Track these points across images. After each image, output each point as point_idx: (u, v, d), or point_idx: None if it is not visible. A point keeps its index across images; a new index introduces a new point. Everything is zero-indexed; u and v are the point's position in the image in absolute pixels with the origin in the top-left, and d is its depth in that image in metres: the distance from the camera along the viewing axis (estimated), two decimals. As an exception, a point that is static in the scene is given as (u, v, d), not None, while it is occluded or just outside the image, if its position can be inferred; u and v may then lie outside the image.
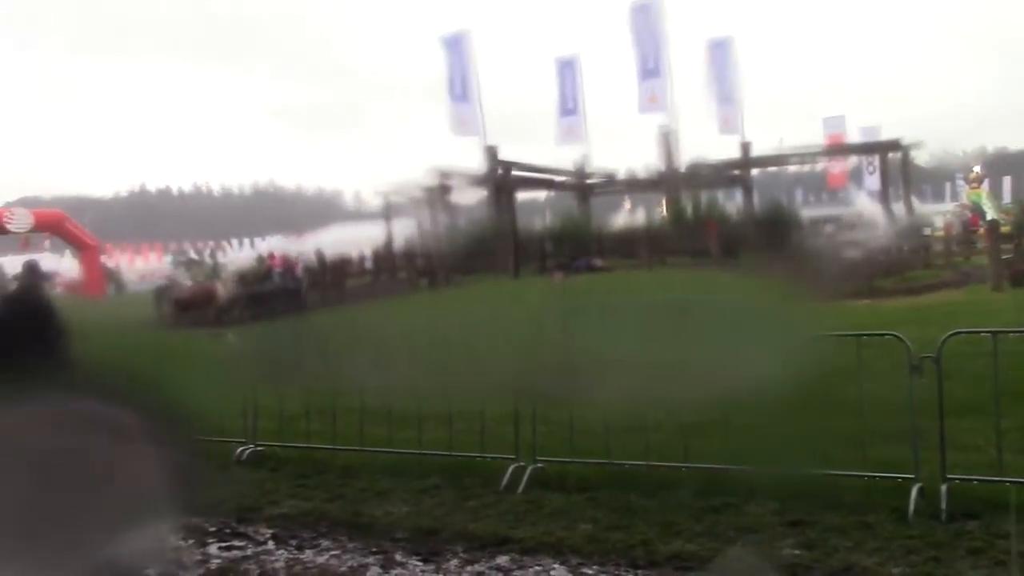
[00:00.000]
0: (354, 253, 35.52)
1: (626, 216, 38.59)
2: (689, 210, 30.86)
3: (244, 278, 26.48)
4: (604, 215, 36.31)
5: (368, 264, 34.24)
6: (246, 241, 61.45)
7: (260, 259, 29.86)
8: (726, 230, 28.73)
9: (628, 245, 26.92)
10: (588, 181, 33.59)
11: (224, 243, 60.47)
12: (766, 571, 4.77)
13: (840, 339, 7.11)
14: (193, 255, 43.85)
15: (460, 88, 35.55)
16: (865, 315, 14.70)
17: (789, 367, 6.46)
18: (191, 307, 23.25)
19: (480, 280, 25.85)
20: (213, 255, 46.14)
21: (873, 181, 45.94)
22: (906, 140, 37.46)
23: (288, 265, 27.53)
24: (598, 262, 27.05)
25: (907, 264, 26.94)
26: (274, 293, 24.37)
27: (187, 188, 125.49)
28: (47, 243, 43.65)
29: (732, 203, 37.88)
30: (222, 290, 24.33)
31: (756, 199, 37.21)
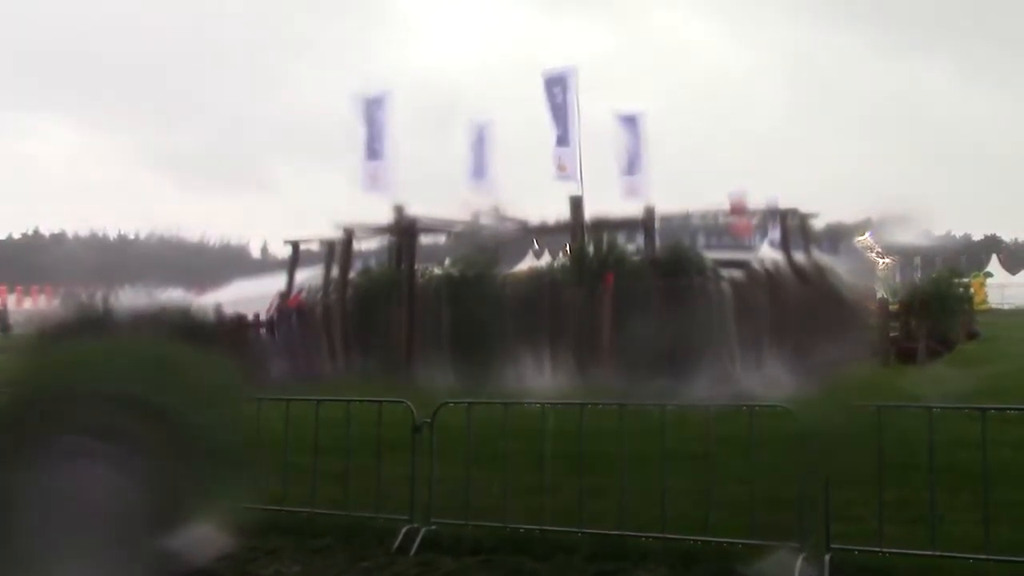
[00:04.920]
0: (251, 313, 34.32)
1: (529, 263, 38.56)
2: (590, 252, 30.59)
3: None
4: (507, 262, 36.14)
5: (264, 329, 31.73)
6: (143, 291, 59.80)
7: None
8: (623, 278, 28.62)
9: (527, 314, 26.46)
10: (495, 228, 33.37)
11: (118, 290, 58.73)
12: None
13: (732, 408, 7.29)
14: (83, 299, 42.42)
15: (375, 146, 35.67)
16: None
17: (685, 433, 6.60)
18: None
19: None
20: (105, 301, 44.72)
21: (775, 233, 46.90)
22: (804, 210, 38.80)
23: None
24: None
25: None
26: None
27: (83, 233, 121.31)
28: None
29: (633, 246, 38.00)
30: None
31: (658, 243, 37.35)
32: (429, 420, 7.14)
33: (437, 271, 32.68)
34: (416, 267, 28.67)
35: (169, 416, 1.60)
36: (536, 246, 42.67)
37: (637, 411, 7.21)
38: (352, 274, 31.08)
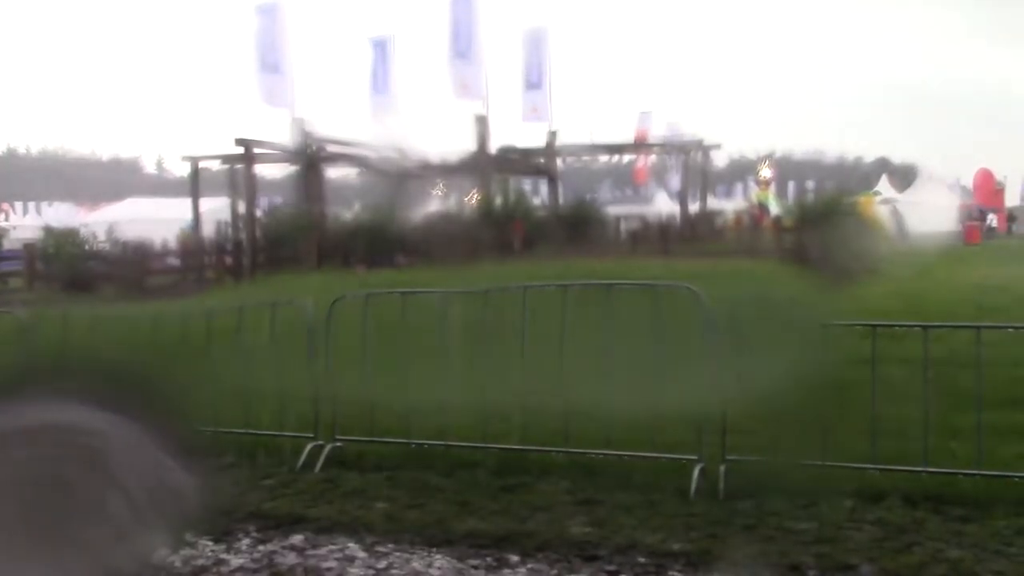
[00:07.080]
0: (156, 239, 33.46)
1: (437, 205, 38.56)
2: (497, 203, 31.49)
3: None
4: (414, 204, 36.12)
5: (174, 259, 30.97)
6: (31, 206, 57.80)
7: None
8: (530, 227, 29.90)
9: (433, 245, 27.16)
10: (400, 165, 33.39)
11: (7, 206, 56.62)
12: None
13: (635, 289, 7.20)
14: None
15: (271, 58, 34.65)
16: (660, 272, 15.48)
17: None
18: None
19: (283, 273, 25.17)
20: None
21: (675, 180, 48.83)
22: (707, 141, 39.92)
23: None
24: (401, 260, 27.07)
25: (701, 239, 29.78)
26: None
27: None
28: None
29: (538, 197, 39.33)
30: None
31: (562, 191, 38.62)
32: (326, 317, 7.04)
33: (347, 215, 32.84)
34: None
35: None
36: (441, 187, 42.68)
37: (540, 294, 7.07)
38: (258, 212, 30.98)
